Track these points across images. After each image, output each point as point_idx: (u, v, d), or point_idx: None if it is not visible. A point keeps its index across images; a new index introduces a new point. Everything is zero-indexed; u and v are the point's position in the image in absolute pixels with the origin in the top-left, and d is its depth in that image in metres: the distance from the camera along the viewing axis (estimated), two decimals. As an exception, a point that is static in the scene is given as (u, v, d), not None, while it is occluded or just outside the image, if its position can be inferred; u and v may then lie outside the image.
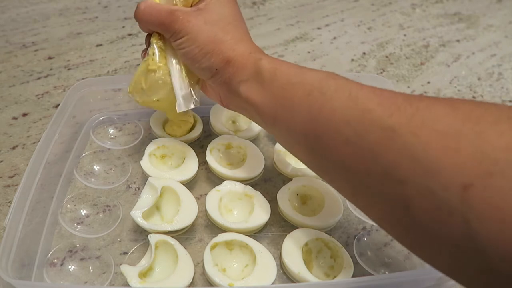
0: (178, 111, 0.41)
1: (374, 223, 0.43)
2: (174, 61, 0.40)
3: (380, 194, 0.26)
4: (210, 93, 0.42)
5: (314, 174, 0.45)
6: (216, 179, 0.47)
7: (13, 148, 0.51)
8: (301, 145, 0.32)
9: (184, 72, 0.41)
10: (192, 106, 0.41)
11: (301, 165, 0.48)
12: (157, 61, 0.40)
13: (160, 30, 0.39)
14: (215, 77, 0.38)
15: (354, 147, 0.27)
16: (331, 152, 0.29)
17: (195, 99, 0.41)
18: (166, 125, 0.50)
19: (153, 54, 0.40)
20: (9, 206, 0.41)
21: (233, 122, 0.54)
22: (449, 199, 0.22)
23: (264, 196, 0.43)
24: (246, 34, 0.39)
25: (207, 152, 0.47)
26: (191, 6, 0.39)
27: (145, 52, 0.42)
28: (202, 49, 0.37)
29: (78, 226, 0.41)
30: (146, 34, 0.43)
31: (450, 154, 0.22)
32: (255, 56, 0.36)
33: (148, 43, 0.41)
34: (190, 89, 0.41)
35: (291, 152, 0.36)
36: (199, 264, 0.39)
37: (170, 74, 0.40)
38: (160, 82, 0.40)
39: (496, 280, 0.21)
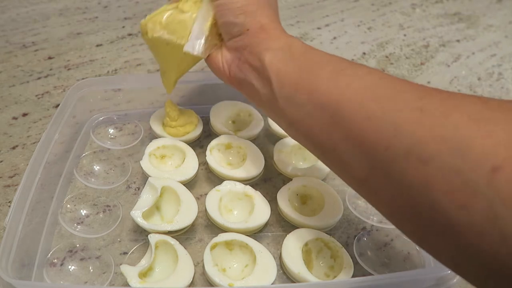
0: (184, 49, 0.39)
1: (374, 223, 0.43)
2: (205, 11, 0.40)
3: (396, 172, 0.26)
4: (219, 61, 0.41)
5: (314, 174, 0.45)
6: (216, 179, 0.47)
7: (13, 148, 0.51)
8: (318, 119, 0.32)
9: (208, 25, 0.39)
10: (196, 52, 0.39)
11: (301, 165, 0.48)
12: (190, 5, 0.39)
13: None
14: (241, 37, 0.38)
15: (377, 123, 0.27)
16: (351, 127, 0.29)
17: (203, 50, 0.39)
18: (166, 126, 0.50)
19: None
20: (9, 206, 0.41)
21: (233, 122, 0.54)
22: (476, 180, 0.21)
23: (264, 196, 0.43)
24: (279, 20, 0.40)
25: (207, 152, 0.47)
26: None
27: None
28: (244, 5, 0.37)
29: (78, 226, 0.41)
30: None
31: (481, 135, 0.22)
32: (287, 35, 0.37)
33: None
34: (204, 40, 0.39)
35: (297, 127, 0.35)
36: (199, 264, 0.39)
37: (194, 21, 0.39)
38: (181, 23, 0.39)
39: None
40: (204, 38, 0.39)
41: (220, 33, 0.40)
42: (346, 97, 0.29)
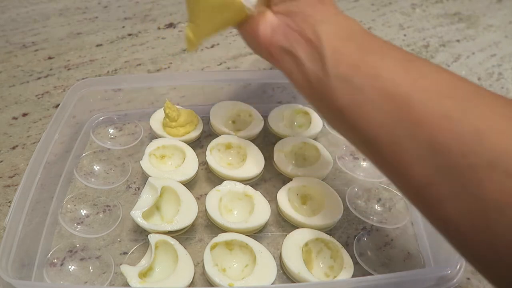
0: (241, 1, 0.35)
1: (374, 223, 0.43)
2: None
3: (472, 185, 0.23)
4: (261, 27, 0.36)
5: (314, 174, 0.45)
6: (216, 179, 0.47)
7: (13, 148, 0.51)
8: (378, 110, 0.28)
9: None
10: (251, 6, 0.35)
11: (301, 165, 0.48)
12: None
13: None
14: (295, 3, 0.34)
15: (455, 124, 0.24)
16: (421, 123, 0.25)
17: (254, 5, 0.35)
18: (166, 126, 0.50)
19: None
20: (9, 206, 0.41)
21: (233, 122, 0.54)
22: None
23: (264, 196, 0.43)
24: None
25: (207, 152, 0.47)
26: None
27: None
28: None
29: (78, 226, 0.41)
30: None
31: None
32: (347, 15, 0.34)
33: None
34: None
35: (348, 114, 0.30)
36: (199, 264, 0.39)
37: None
38: None
39: None
40: None
41: None
42: (418, 88, 0.26)
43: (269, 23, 0.36)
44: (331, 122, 0.33)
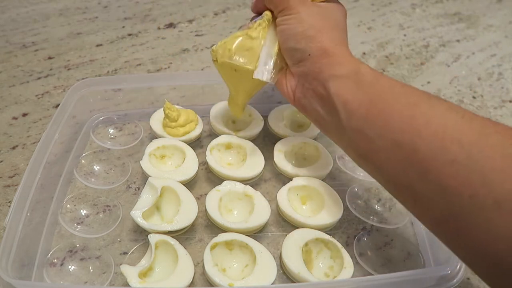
0: (254, 76, 0.40)
1: (374, 223, 0.43)
2: (272, 37, 0.40)
3: (482, 224, 0.24)
4: (284, 85, 0.40)
5: (314, 174, 0.45)
6: (216, 179, 0.47)
7: (13, 148, 0.51)
8: (390, 156, 0.30)
9: (275, 51, 0.40)
10: (265, 78, 0.40)
11: (301, 165, 0.48)
12: (259, 31, 0.40)
13: (276, 3, 0.39)
14: (304, 63, 0.37)
15: (462, 169, 0.25)
16: (430, 169, 0.27)
17: (272, 76, 0.40)
18: (166, 126, 0.50)
19: (259, 24, 0.40)
20: (9, 206, 0.41)
21: (233, 122, 0.54)
22: None
23: (264, 196, 0.43)
24: (347, 43, 0.39)
25: (207, 152, 0.47)
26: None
27: (250, 22, 0.42)
28: (305, 30, 0.37)
29: (78, 226, 0.41)
30: (251, 7, 0.43)
31: None
32: (354, 59, 0.35)
33: (256, 15, 0.42)
34: (273, 67, 0.40)
35: (366, 165, 0.34)
36: (199, 264, 0.39)
37: (262, 47, 0.40)
38: (250, 50, 0.40)
39: None
40: (272, 64, 0.40)
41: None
42: (424, 137, 0.28)
43: (289, 83, 0.40)
44: (357, 163, 0.36)
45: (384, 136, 0.30)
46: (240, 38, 0.41)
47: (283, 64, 0.41)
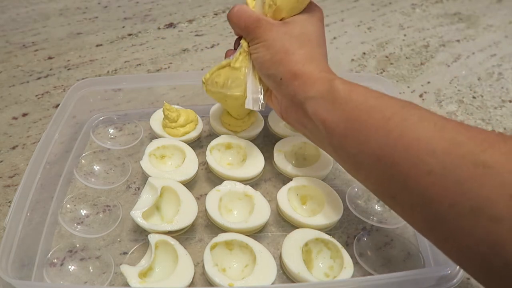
0: (246, 107, 0.42)
1: (374, 223, 0.43)
2: (253, 65, 0.42)
3: (464, 229, 0.25)
4: (274, 103, 0.43)
5: (314, 174, 0.45)
6: (216, 179, 0.47)
7: (13, 148, 0.51)
8: (372, 169, 0.31)
9: (257, 77, 0.42)
10: (257, 109, 0.42)
11: (301, 165, 0.48)
12: (241, 60, 0.42)
13: (244, 33, 0.42)
14: (279, 87, 0.39)
15: (439, 179, 0.26)
16: (409, 180, 0.28)
17: (261, 103, 0.42)
18: (166, 126, 0.50)
19: (240, 54, 0.42)
20: (9, 206, 0.41)
21: (229, 125, 0.53)
22: None
23: (264, 196, 0.43)
24: (321, 54, 0.39)
25: (207, 152, 0.47)
26: (280, 20, 0.41)
27: (230, 52, 0.45)
28: (272, 57, 0.38)
29: (78, 226, 0.41)
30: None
31: None
32: (326, 75, 0.36)
33: (236, 46, 0.44)
34: (261, 93, 0.42)
35: (355, 176, 0.35)
36: (199, 264, 0.39)
37: (246, 76, 0.42)
38: (236, 80, 0.42)
39: None
40: (258, 94, 0.42)
41: None
42: (400, 150, 0.28)
43: (275, 103, 0.42)
44: (348, 172, 0.37)
45: (364, 152, 0.31)
46: (225, 71, 0.43)
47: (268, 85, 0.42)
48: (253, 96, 0.42)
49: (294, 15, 0.40)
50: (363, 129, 0.31)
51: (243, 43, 0.42)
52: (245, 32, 0.41)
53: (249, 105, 0.42)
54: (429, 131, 0.28)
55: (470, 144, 0.26)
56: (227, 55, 0.45)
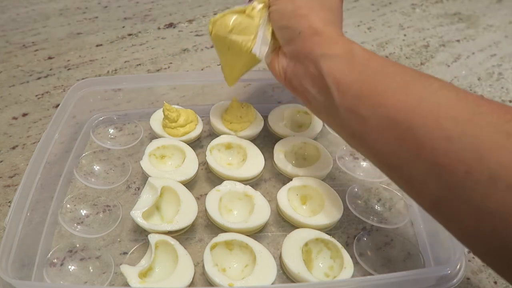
0: (252, 51, 0.41)
1: (374, 223, 0.43)
2: (267, 18, 0.41)
3: (478, 197, 0.25)
4: (276, 66, 0.41)
5: (314, 174, 0.45)
6: (216, 179, 0.47)
7: (13, 148, 0.51)
8: (383, 135, 0.30)
9: (270, 31, 0.41)
10: (261, 57, 0.41)
11: (301, 165, 0.48)
12: (258, 11, 0.40)
13: None
14: (293, 42, 0.37)
15: (457, 145, 0.25)
16: (424, 146, 0.27)
17: (267, 55, 0.41)
18: (166, 126, 0.50)
19: (258, 4, 0.40)
20: (9, 206, 0.41)
21: (230, 123, 0.53)
22: None
23: (264, 196, 0.43)
24: (340, 24, 0.39)
25: (207, 152, 0.47)
26: None
27: (248, 2, 0.43)
28: (295, 9, 0.37)
29: (78, 226, 0.41)
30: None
31: None
32: (345, 39, 0.35)
33: None
34: (269, 46, 0.41)
35: (358, 145, 0.34)
36: (199, 264, 0.39)
37: (259, 27, 0.41)
38: (247, 28, 0.41)
39: None
40: (268, 43, 0.41)
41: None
42: (418, 113, 0.28)
43: (281, 64, 0.40)
44: (349, 144, 0.35)
45: (377, 114, 0.30)
46: (238, 16, 0.41)
47: (276, 45, 0.41)
48: (262, 45, 0.41)
49: None
50: (380, 91, 0.30)
51: None
52: None
53: (256, 50, 0.41)
54: (451, 99, 0.27)
55: (493, 115, 0.25)
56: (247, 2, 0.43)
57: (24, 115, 0.57)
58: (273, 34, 0.41)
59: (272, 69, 0.42)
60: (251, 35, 0.41)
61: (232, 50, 0.42)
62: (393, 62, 0.33)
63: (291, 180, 0.45)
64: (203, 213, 0.43)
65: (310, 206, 0.44)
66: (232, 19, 0.41)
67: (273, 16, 0.40)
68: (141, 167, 0.45)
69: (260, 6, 0.40)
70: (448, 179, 0.26)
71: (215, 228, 0.42)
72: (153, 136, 0.51)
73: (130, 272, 0.35)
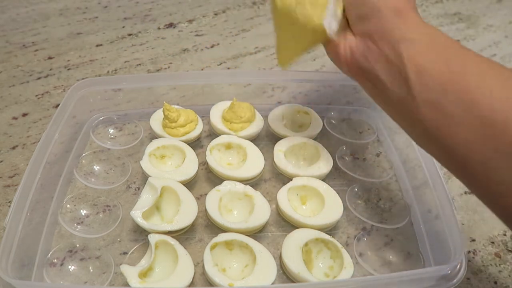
0: (323, 24, 0.36)
1: (374, 223, 0.43)
2: None
3: None
4: (341, 46, 0.36)
5: (314, 174, 0.45)
6: (216, 179, 0.47)
7: (13, 148, 0.51)
8: (475, 131, 0.27)
9: (341, 7, 0.37)
10: (332, 33, 0.37)
11: (301, 165, 0.48)
12: None
13: None
14: (371, 20, 0.33)
15: None
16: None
17: (336, 31, 0.37)
18: (166, 126, 0.50)
19: None
20: (9, 206, 0.41)
21: (230, 123, 0.53)
22: None
23: (264, 196, 0.43)
24: (416, 8, 0.35)
25: (207, 152, 0.47)
26: None
27: None
28: None
29: (78, 226, 0.41)
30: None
31: None
32: (427, 24, 0.32)
33: None
34: (339, 21, 0.37)
35: (438, 136, 0.30)
36: (199, 264, 0.39)
37: (329, 1, 0.37)
38: (314, 3, 0.37)
39: None
40: (339, 19, 0.37)
41: (346, 17, 0.37)
42: None
43: (348, 44, 0.35)
44: (416, 139, 0.33)
45: (469, 111, 0.27)
46: None
47: (343, 23, 0.37)
48: (332, 18, 0.37)
49: None
50: (474, 86, 0.27)
51: None
52: None
53: (326, 24, 0.36)
54: None
55: None
56: None
57: (24, 115, 0.57)
58: (343, 11, 0.37)
59: (334, 50, 0.37)
60: (321, 7, 0.37)
61: (297, 24, 0.37)
62: (483, 57, 0.29)
63: (291, 180, 0.45)
64: (203, 213, 0.43)
65: (310, 206, 0.44)
66: None
67: None
68: (141, 167, 0.45)
69: None
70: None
71: (215, 228, 0.42)
72: (153, 136, 0.51)
73: (130, 272, 0.35)
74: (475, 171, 0.28)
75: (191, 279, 0.36)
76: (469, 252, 0.42)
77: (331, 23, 0.36)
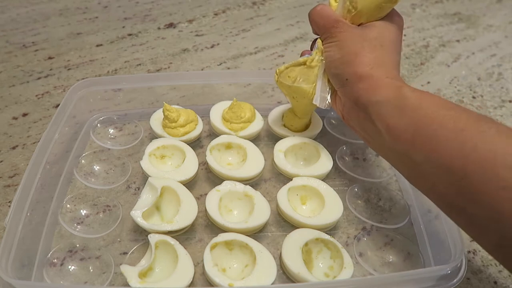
0: (313, 102, 0.44)
1: (374, 223, 0.43)
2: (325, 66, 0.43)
3: None
4: (337, 104, 0.43)
5: (314, 174, 0.45)
6: (216, 179, 0.47)
7: (13, 148, 0.51)
8: (439, 180, 0.30)
9: (327, 78, 0.43)
10: (323, 106, 0.44)
11: (301, 165, 0.48)
12: (316, 60, 0.43)
13: (321, 31, 0.42)
14: (344, 88, 0.39)
15: None
16: (481, 194, 0.27)
17: (328, 103, 0.44)
18: (166, 126, 0.50)
19: (315, 54, 0.43)
20: (9, 206, 0.41)
21: (230, 122, 0.53)
22: None
23: (264, 196, 0.43)
24: (392, 61, 0.39)
25: (207, 152, 0.47)
26: (359, 25, 0.41)
27: (305, 52, 0.46)
28: (342, 56, 0.38)
29: (78, 226, 0.41)
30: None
31: None
32: (393, 81, 0.35)
33: (313, 47, 0.45)
34: (328, 93, 0.44)
35: (417, 185, 0.34)
36: (199, 264, 0.39)
37: (317, 76, 0.43)
38: (308, 78, 0.44)
39: None
40: (326, 93, 0.43)
41: None
42: (474, 162, 0.27)
43: (339, 105, 0.42)
44: (409, 182, 0.36)
45: (431, 161, 0.30)
46: (300, 67, 0.44)
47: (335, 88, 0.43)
48: (321, 94, 0.43)
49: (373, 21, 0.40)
50: (433, 138, 0.30)
51: (319, 42, 0.43)
52: (322, 30, 0.41)
53: (316, 101, 0.44)
54: (507, 145, 0.27)
55: None
56: (302, 54, 0.46)
57: (24, 115, 0.57)
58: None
59: (335, 108, 0.43)
60: (312, 84, 0.44)
61: (296, 98, 0.46)
62: (447, 103, 0.32)
63: (291, 180, 0.45)
64: (203, 213, 0.43)
65: (310, 206, 0.44)
66: (294, 71, 0.44)
67: (325, 63, 0.42)
68: (141, 167, 0.45)
69: (317, 57, 0.43)
70: (509, 226, 0.26)
71: (215, 228, 0.42)
72: (153, 136, 0.51)
73: (130, 272, 0.35)
74: (456, 217, 0.31)
75: (191, 279, 0.36)
76: (469, 252, 0.42)
77: (321, 98, 0.43)
